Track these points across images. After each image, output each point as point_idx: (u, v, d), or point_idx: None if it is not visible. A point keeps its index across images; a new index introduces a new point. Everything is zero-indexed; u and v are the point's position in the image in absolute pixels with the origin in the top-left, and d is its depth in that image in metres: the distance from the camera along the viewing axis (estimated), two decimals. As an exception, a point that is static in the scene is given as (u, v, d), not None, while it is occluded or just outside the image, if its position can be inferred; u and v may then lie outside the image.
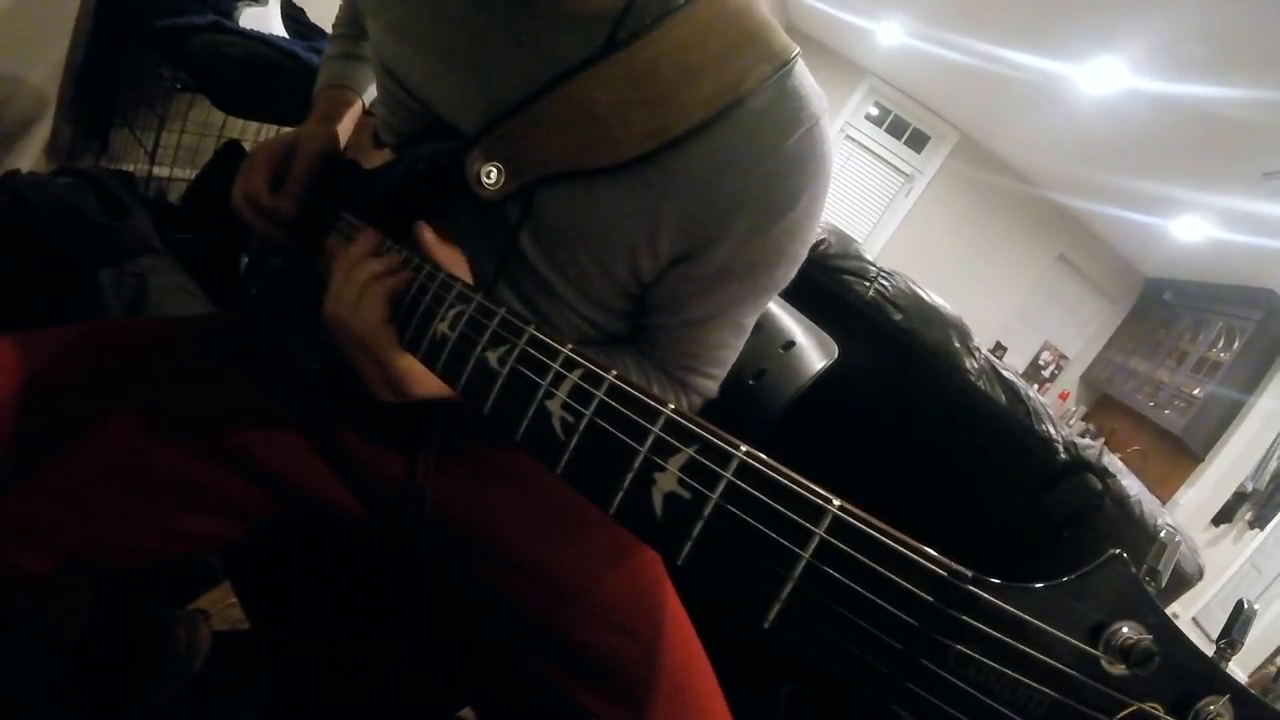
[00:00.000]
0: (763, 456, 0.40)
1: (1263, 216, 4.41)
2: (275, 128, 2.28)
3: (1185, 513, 5.61)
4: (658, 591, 0.86)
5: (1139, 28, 3.39)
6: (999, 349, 6.98)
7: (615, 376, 0.47)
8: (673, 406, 0.44)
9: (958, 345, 1.69)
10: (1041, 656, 0.31)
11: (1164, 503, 5.08)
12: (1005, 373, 1.72)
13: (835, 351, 1.30)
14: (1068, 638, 0.31)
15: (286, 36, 1.97)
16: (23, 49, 1.61)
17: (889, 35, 5.50)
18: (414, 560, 0.83)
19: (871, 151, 6.94)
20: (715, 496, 0.40)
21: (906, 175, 6.96)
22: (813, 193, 0.73)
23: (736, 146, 0.70)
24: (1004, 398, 1.67)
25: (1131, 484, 1.66)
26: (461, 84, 0.76)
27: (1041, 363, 7.30)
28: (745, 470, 0.40)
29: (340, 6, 1.09)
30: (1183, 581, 1.66)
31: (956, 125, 6.73)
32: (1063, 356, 7.33)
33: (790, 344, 1.23)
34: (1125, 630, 0.30)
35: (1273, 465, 5.45)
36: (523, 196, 0.73)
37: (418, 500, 0.82)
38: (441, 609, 0.86)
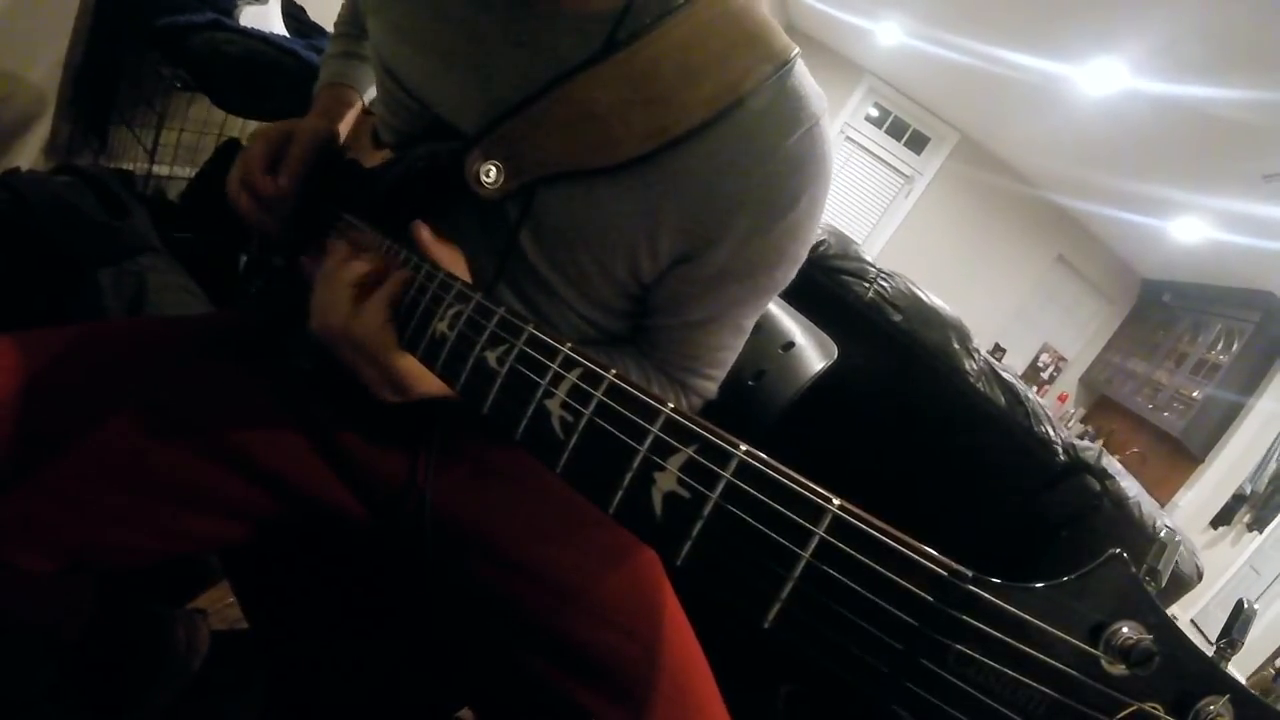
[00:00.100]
0: (762, 456, 0.40)
1: (1262, 218, 4.41)
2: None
3: (1184, 515, 5.61)
4: (657, 592, 0.86)
5: (1139, 29, 3.39)
6: (998, 350, 6.98)
7: (614, 376, 0.47)
8: (672, 406, 0.44)
9: (957, 346, 1.69)
10: (1041, 656, 0.31)
11: (1163, 505, 5.08)
12: (1004, 374, 1.72)
13: (835, 352, 1.30)
14: (1068, 638, 0.31)
15: (287, 35, 1.97)
16: (22, 46, 1.61)
17: (889, 36, 5.50)
18: (414, 560, 0.83)
19: (871, 153, 6.94)
20: (715, 496, 0.40)
21: (906, 176, 6.96)
22: (813, 193, 0.73)
23: (737, 147, 0.70)
24: (1003, 399, 1.67)
25: (1130, 485, 1.66)
26: (461, 84, 0.76)
27: (1040, 364, 7.31)
28: (745, 470, 0.40)
29: (342, 5, 1.09)
30: (1181, 583, 1.66)
31: (956, 126, 6.73)
32: (1061, 358, 7.33)
33: (790, 345, 1.23)
34: (1125, 630, 0.30)
35: (1271, 467, 5.45)
36: (522, 196, 0.73)
37: (418, 500, 0.82)
38: (441, 609, 0.86)
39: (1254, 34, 2.93)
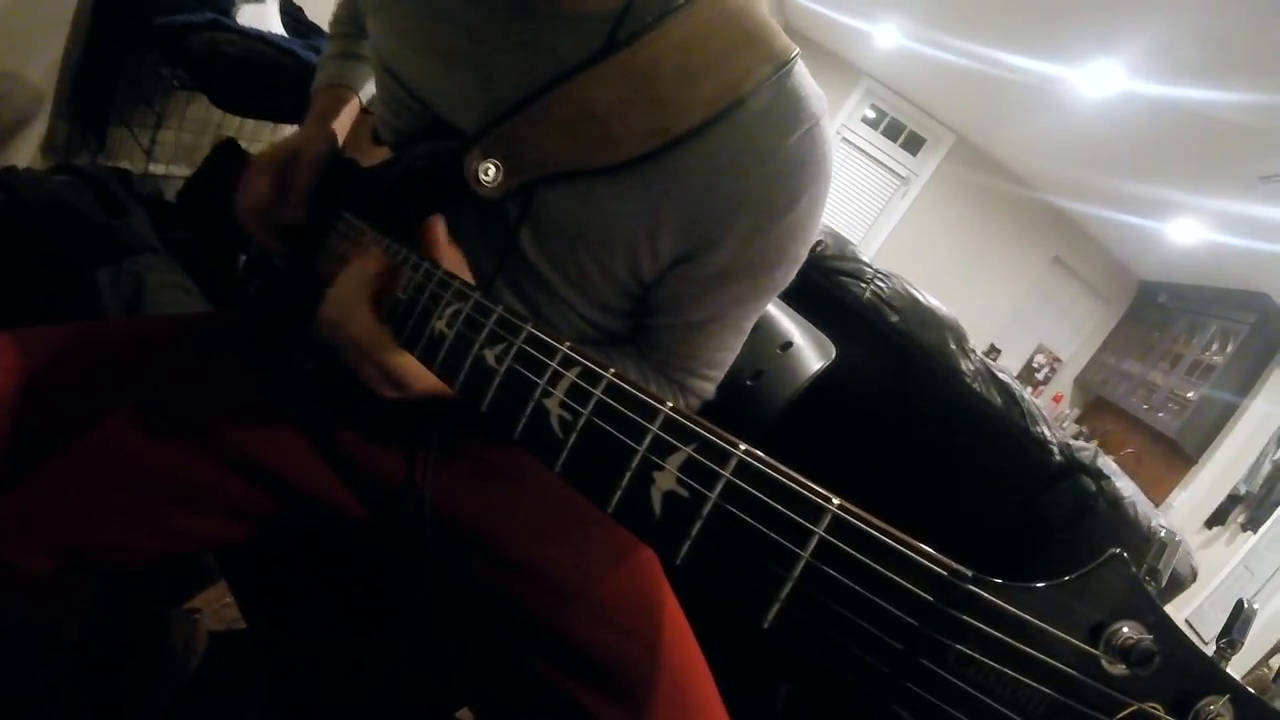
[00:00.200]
0: (762, 455, 0.40)
1: (1258, 220, 4.42)
2: (272, 125, 2.28)
3: (1178, 515, 5.62)
4: (657, 592, 0.86)
5: (1136, 31, 3.40)
6: (993, 351, 6.99)
7: (613, 375, 0.47)
8: (671, 405, 0.44)
9: (953, 347, 1.69)
10: (1042, 656, 0.31)
11: (1157, 505, 5.09)
12: (1000, 375, 1.72)
13: (832, 353, 1.30)
14: (1068, 637, 0.31)
15: (285, 34, 1.97)
16: (21, 45, 1.61)
17: (886, 37, 5.50)
18: (413, 560, 0.83)
19: (867, 154, 6.94)
20: (714, 496, 0.40)
21: (902, 178, 6.97)
22: (813, 193, 0.73)
23: (737, 147, 0.70)
24: (999, 400, 1.67)
25: (1125, 486, 1.66)
26: (461, 84, 0.76)
27: (1036, 365, 7.31)
28: (744, 469, 0.39)
29: (338, 5, 1.09)
30: (1176, 584, 1.66)
31: (952, 128, 6.74)
32: (1057, 359, 7.34)
33: (788, 345, 1.23)
34: (1125, 630, 0.30)
35: (1266, 468, 5.46)
36: (522, 195, 0.73)
37: (417, 500, 0.82)
38: (441, 609, 0.86)
39: (1251, 37, 2.93)
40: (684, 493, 0.41)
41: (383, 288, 0.67)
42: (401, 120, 0.83)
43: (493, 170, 0.71)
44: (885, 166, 6.97)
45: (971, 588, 0.32)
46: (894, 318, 1.68)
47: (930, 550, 0.34)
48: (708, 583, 0.40)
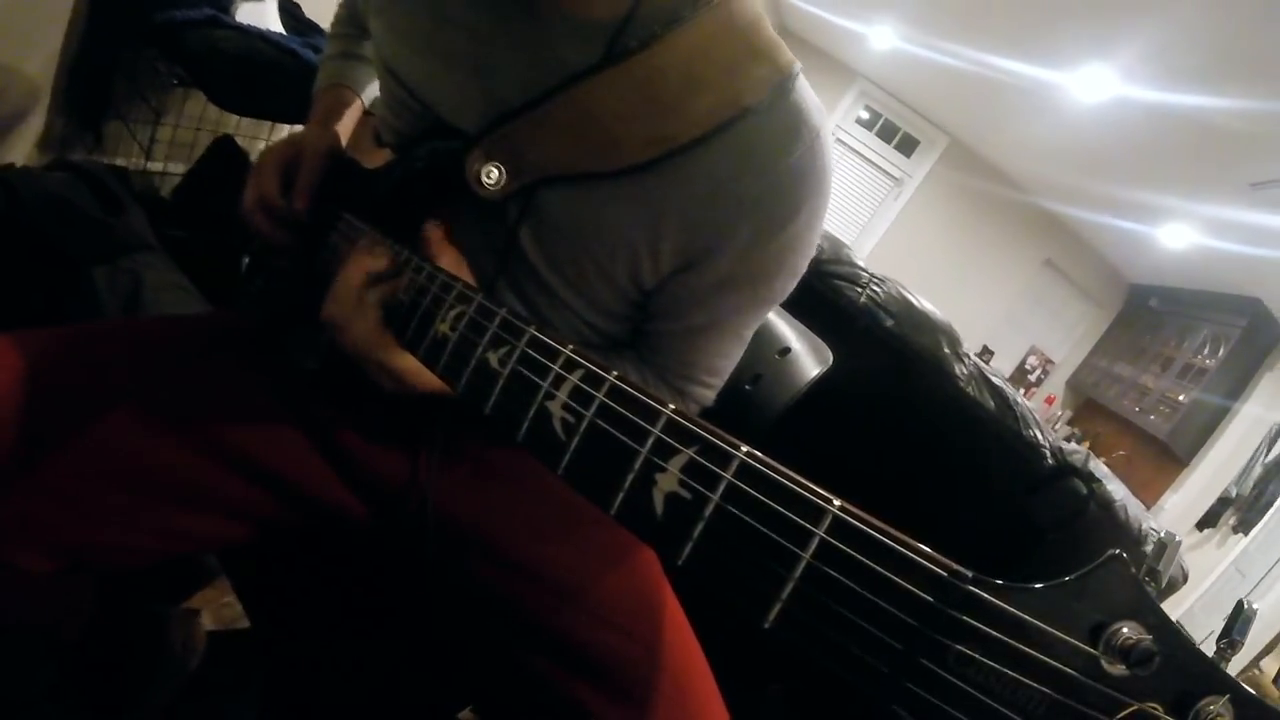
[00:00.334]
0: (763, 457, 0.40)
1: (1249, 225, 4.44)
2: (270, 124, 2.28)
3: (1169, 517, 5.63)
4: (657, 592, 0.86)
5: (1129, 36, 3.41)
6: (986, 353, 7.00)
7: (616, 377, 0.47)
8: (673, 407, 0.44)
9: (947, 351, 1.70)
10: (1041, 656, 0.31)
11: (1148, 507, 5.11)
12: (994, 378, 1.73)
13: (830, 358, 1.31)
14: (1068, 638, 0.31)
15: (283, 32, 1.96)
16: (18, 40, 1.60)
17: (881, 39, 5.50)
18: (414, 560, 0.83)
19: (861, 155, 6.95)
20: (716, 497, 0.40)
21: (896, 179, 6.98)
22: (813, 206, 0.74)
23: (738, 158, 0.70)
24: (992, 404, 1.68)
25: (1117, 489, 1.67)
26: (462, 85, 0.77)
27: (1028, 366, 7.33)
28: (745, 471, 0.40)
29: (339, 5, 1.09)
30: (1168, 586, 1.67)
31: (946, 130, 6.75)
32: (1049, 361, 7.36)
33: (786, 350, 1.23)
34: (1125, 630, 0.30)
35: (1257, 471, 5.49)
36: (523, 197, 0.74)
37: (419, 500, 0.82)
38: (441, 609, 0.86)
39: (1243, 43, 2.95)
40: (686, 494, 0.41)
41: (382, 287, 0.68)
42: (402, 121, 0.84)
43: (495, 173, 0.72)
44: (879, 168, 6.97)
45: (971, 588, 0.32)
46: (889, 322, 1.69)
47: (930, 551, 0.34)
48: (709, 583, 0.40)
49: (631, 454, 0.44)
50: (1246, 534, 5.47)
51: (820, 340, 1.34)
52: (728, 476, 0.40)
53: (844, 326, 1.66)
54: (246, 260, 1.01)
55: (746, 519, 0.39)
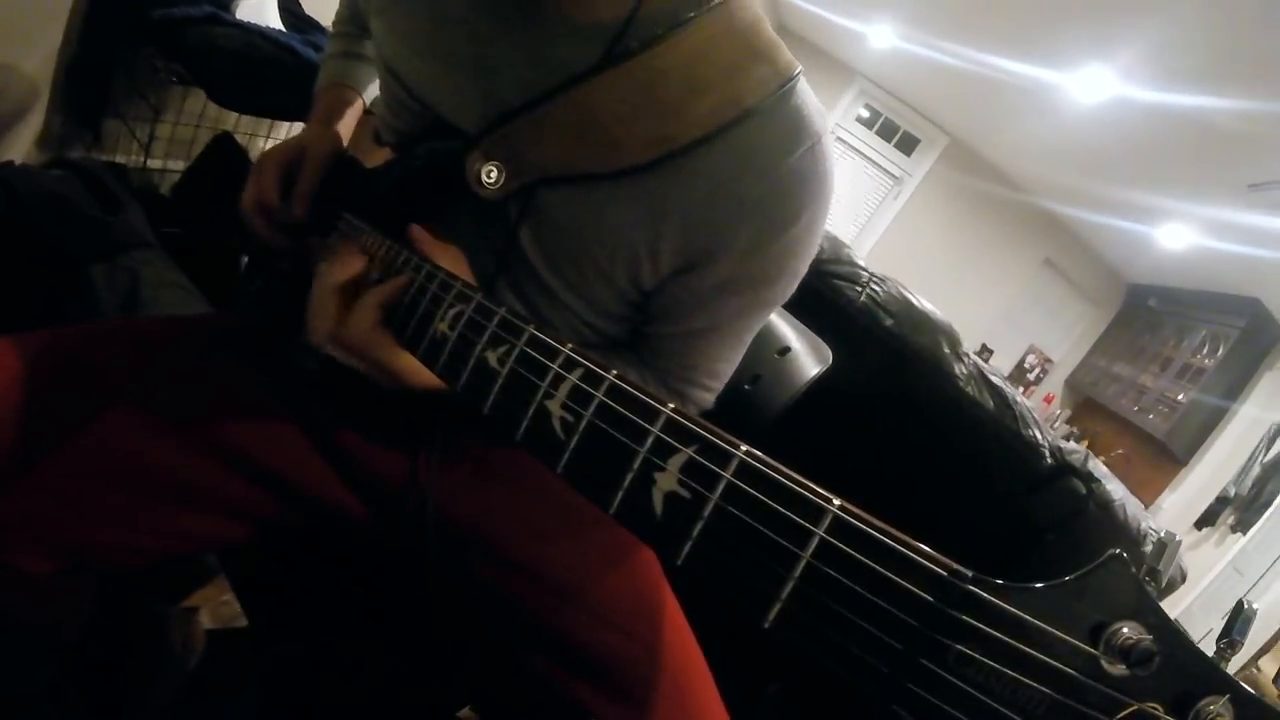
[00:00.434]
0: (762, 456, 0.40)
1: (1247, 226, 4.44)
2: (270, 121, 2.27)
3: (1167, 517, 5.64)
4: (657, 592, 0.86)
5: (1129, 37, 3.41)
6: (985, 351, 7.01)
7: (615, 376, 0.47)
8: (672, 406, 0.44)
9: (947, 351, 1.70)
10: (1041, 656, 0.31)
11: (1146, 507, 5.11)
12: (993, 378, 1.73)
13: (829, 357, 1.31)
14: (1068, 638, 0.31)
15: (283, 29, 1.96)
16: (16, 38, 1.59)
17: (881, 38, 5.50)
18: (414, 560, 0.83)
19: (861, 153, 6.95)
20: (715, 497, 0.40)
21: (895, 178, 6.98)
22: (814, 210, 0.74)
23: (739, 161, 0.70)
24: (991, 403, 1.68)
25: (1116, 489, 1.67)
26: (463, 86, 0.76)
27: (1027, 365, 7.34)
28: (745, 470, 0.40)
29: (340, 4, 1.09)
30: (1166, 585, 1.67)
31: (946, 129, 6.75)
32: (1048, 360, 7.36)
33: (785, 350, 1.23)
34: (1125, 630, 0.30)
35: (1255, 471, 5.49)
36: (523, 197, 0.73)
37: (419, 500, 0.82)
38: (441, 609, 0.86)
39: (1242, 43, 2.95)
40: (685, 494, 0.41)
41: (382, 287, 0.67)
42: (402, 121, 0.83)
43: (495, 172, 0.72)
44: (879, 166, 6.98)
45: (971, 588, 0.32)
46: (889, 321, 1.69)
47: (930, 551, 0.34)
48: (709, 583, 0.40)
49: (631, 453, 0.44)
50: (1244, 533, 5.47)
51: (820, 340, 1.34)
52: (727, 476, 0.40)
53: (844, 326, 1.66)
54: (246, 260, 1.01)
55: (746, 518, 0.39)
